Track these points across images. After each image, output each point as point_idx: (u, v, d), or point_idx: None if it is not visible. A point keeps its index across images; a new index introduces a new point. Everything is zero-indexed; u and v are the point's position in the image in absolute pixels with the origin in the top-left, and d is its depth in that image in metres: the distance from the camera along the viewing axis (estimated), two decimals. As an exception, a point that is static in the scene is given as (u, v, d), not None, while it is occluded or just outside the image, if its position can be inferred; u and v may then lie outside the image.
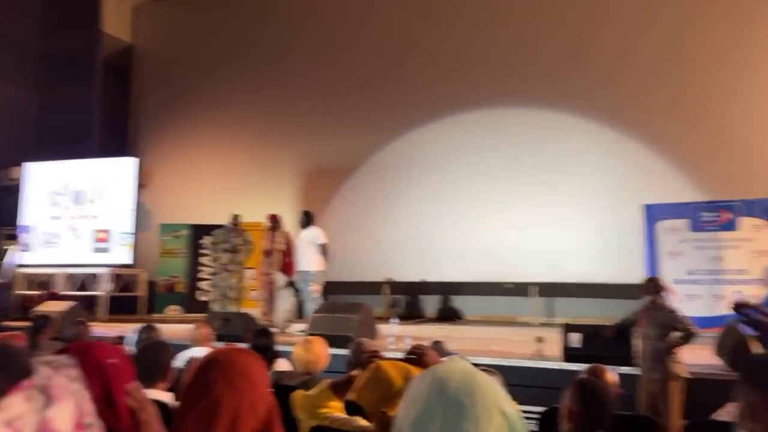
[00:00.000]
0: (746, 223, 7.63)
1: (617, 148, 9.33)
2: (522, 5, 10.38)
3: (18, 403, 0.38)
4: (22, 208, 11.31)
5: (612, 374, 2.65)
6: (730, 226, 7.70)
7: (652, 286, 4.73)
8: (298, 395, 2.02)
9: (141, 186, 11.56)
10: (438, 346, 4.82)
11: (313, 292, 7.68)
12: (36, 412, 0.38)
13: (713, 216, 7.79)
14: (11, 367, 0.40)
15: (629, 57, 9.44)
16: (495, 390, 0.97)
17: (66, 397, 0.41)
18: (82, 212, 10.98)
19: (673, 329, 4.44)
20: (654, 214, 8.13)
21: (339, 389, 1.98)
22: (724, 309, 7.26)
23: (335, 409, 1.91)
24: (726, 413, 2.50)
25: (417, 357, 1.97)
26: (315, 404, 1.97)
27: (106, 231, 10.82)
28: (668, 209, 8.08)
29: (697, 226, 7.83)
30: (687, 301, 7.59)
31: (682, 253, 7.88)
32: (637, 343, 4.78)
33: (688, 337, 4.38)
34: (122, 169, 10.91)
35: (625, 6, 9.68)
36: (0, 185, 12.28)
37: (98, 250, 10.82)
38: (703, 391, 4.42)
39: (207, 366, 1.29)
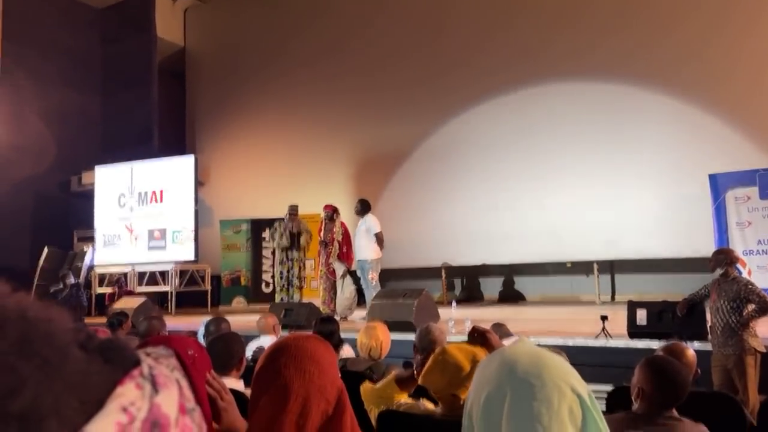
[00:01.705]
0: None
1: (678, 117, 8.94)
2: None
3: (130, 390, 0.41)
4: (95, 211, 11.87)
5: (690, 351, 2.57)
6: (803, 191, 7.30)
7: (723, 258, 4.55)
8: (365, 388, 2.06)
9: (200, 184, 11.93)
10: (499, 329, 4.80)
11: (372, 279, 7.76)
12: (146, 398, 0.42)
13: (785, 182, 7.39)
14: (122, 358, 0.43)
15: (687, 19, 9.00)
16: (564, 368, 0.97)
17: (170, 384, 0.45)
18: (146, 212, 11.43)
19: (747, 302, 4.27)
20: (720, 183, 7.78)
21: (404, 383, 2.01)
22: (802, 279, 6.92)
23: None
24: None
25: (479, 339, 1.98)
26: (381, 397, 2.01)
27: (162, 230, 11.23)
28: (735, 177, 7.72)
29: (767, 194, 7.45)
30: (758, 272, 7.27)
31: (752, 222, 7.53)
32: (709, 318, 4.62)
33: (763, 310, 4.21)
34: (182, 168, 11.28)
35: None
36: (72, 191, 12.93)
37: (157, 248, 11.26)
38: (782, 366, 4.24)
39: (276, 352, 1.34)
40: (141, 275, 11.16)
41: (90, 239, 11.92)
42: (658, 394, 1.87)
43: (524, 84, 10.07)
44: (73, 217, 12.73)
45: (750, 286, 4.32)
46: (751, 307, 4.25)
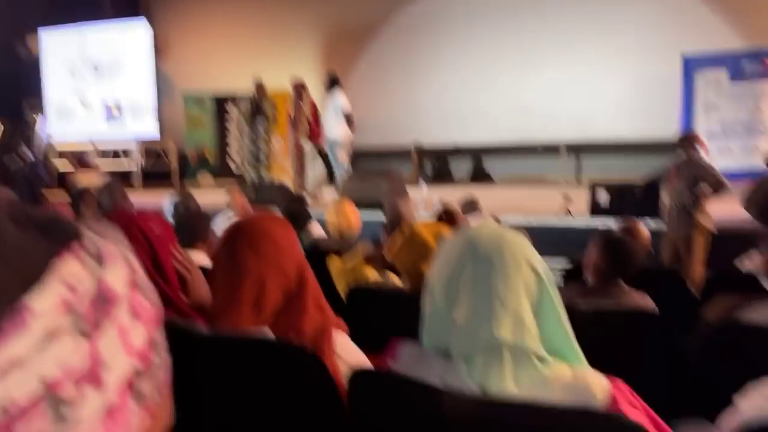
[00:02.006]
0: (790, 71, 7.25)
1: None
2: None
3: (72, 264, 0.39)
4: (45, 79, 11.27)
5: (645, 230, 2.68)
6: (772, 74, 7.33)
7: (685, 141, 4.64)
8: (334, 264, 2.11)
9: (158, 53, 11.34)
10: (470, 204, 4.92)
11: (341, 159, 7.73)
12: (90, 273, 0.40)
13: (755, 65, 7.39)
14: (62, 232, 0.40)
15: None
16: (523, 246, 1.00)
17: (117, 259, 0.42)
18: (101, 83, 10.92)
19: (702, 182, 4.41)
20: (693, 64, 7.75)
21: (372, 261, 2.06)
22: (758, 162, 7.14)
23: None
24: (750, 262, 2.55)
25: (448, 218, 2.03)
26: (352, 271, 2.07)
27: (119, 103, 10.82)
28: (708, 59, 7.68)
29: (738, 77, 7.47)
30: (719, 155, 7.46)
31: (718, 105, 7.61)
32: (665, 198, 4.79)
33: (717, 190, 4.37)
34: (137, 35, 10.63)
35: None
36: (16, 56, 12.08)
37: (115, 122, 10.92)
38: (729, 244, 4.48)
39: (232, 233, 1.35)
40: (102, 151, 10.88)
41: (39, 108, 11.39)
42: (608, 268, 1.97)
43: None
44: (20, 85, 11.97)
45: (707, 168, 4.45)
46: (706, 187, 4.40)
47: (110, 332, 0.40)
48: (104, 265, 0.41)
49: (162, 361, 0.45)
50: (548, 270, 1.00)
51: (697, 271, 4.30)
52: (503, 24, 9.65)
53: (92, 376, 0.38)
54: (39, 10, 11.84)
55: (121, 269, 0.41)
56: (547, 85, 9.34)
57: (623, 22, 8.88)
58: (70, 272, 0.38)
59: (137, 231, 1.48)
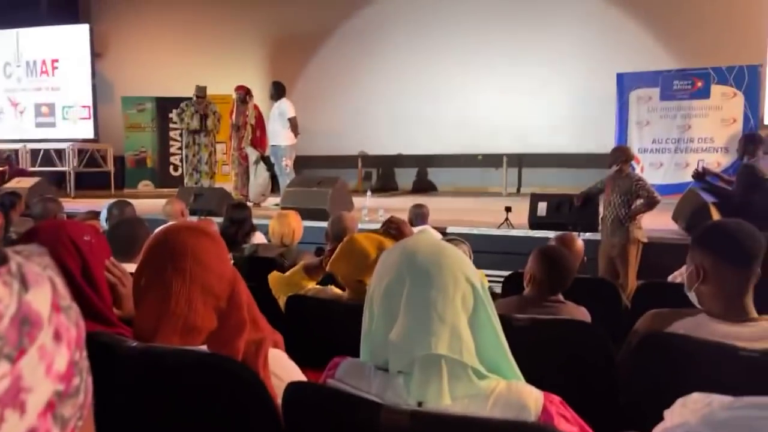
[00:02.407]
0: (717, 91, 7.67)
1: (594, 16, 9.07)
2: None
3: None
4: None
5: (580, 241, 2.77)
6: (701, 93, 7.74)
7: (620, 155, 4.82)
8: (273, 277, 2.08)
9: (97, 55, 10.96)
10: (419, 209, 4.99)
11: (286, 166, 7.66)
12: (14, 296, 0.40)
13: (685, 84, 7.79)
14: None
15: None
16: (461, 259, 1.01)
17: (41, 281, 0.42)
18: (36, 85, 10.47)
19: (636, 197, 4.60)
20: (627, 83, 8.11)
21: (312, 271, 2.04)
22: (687, 176, 7.52)
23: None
24: (680, 275, 2.67)
25: (394, 231, 2.03)
26: (289, 284, 2.04)
27: (51, 105, 10.41)
28: (641, 78, 8.05)
29: (668, 95, 7.86)
30: (651, 169, 7.81)
31: (650, 122, 7.98)
32: (601, 210, 4.96)
33: (650, 204, 4.56)
34: (75, 37, 10.26)
35: None
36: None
37: (45, 124, 10.49)
38: (660, 255, 4.69)
39: (155, 248, 1.27)
40: (34, 153, 10.39)
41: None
42: (546, 280, 2.02)
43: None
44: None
45: (641, 182, 4.64)
46: (639, 201, 4.59)
47: (33, 354, 0.40)
48: (29, 288, 0.41)
49: (84, 383, 0.45)
50: (485, 283, 1.02)
51: (631, 280, 4.47)
52: (447, 37, 9.83)
53: (14, 399, 0.38)
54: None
55: (45, 292, 0.42)
56: (489, 98, 9.58)
57: (562, 39, 9.21)
58: None
59: (67, 240, 1.41)
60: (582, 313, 1.98)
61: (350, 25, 10.48)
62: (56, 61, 10.35)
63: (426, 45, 9.97)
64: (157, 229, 1.46)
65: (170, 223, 3.99)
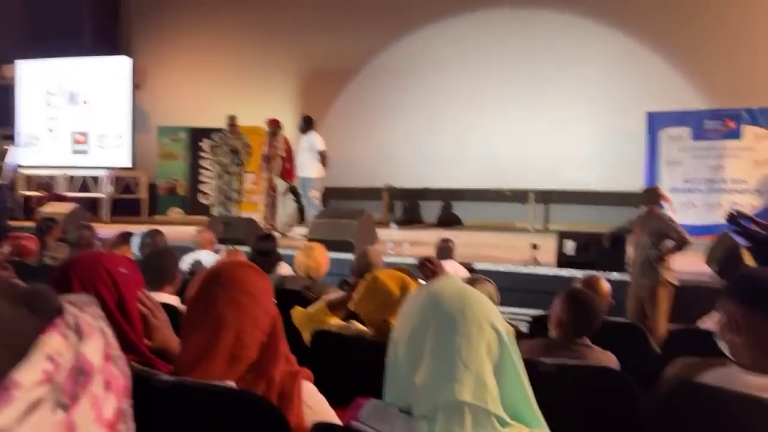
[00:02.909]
0: (749, 131, 7.57)
1: (623, 54, 9.06)
2: None
3: (55, 339, 0.42)
4: (17, 108, 11.13)
5: (606, 284, 2.74)
6: (733, 134, 7.64)
7: (650, 195, 4.79)
8: (296, 312, 2.10)
9: (136, 87, 11.32)
10: (445, 243, 5.00)
11: (313, 198, 7.75)
12: (71, 347, 0.43)
13: (717, 124, 7.71)
14: (46, 308, 0.44)
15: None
16: (486, 306, 1.02)
17: (94, 332, 0.46)
18: (76, 114, 10.83)
19: (666, 237, 4.53)
20: (657, 121, 8.05)
21: (336, 308, 2.06)
22: (720, 218, 7.38)
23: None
24: (711, 321, 2.62)
25: (429, 272, 2.04)
26: (312, 320, 2.06)
27: (85, 133, 10.74)
28: (672, 117, 7.99)
29: (699, 135, 7.78)
30: (682, 209, 7.68)
31: (681, 161, 7.89)
32: (630, 251, 4.90)
33: (680, 246, 4.49)
34: (116, 69, 10.63)
35: None
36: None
37: (80, 152, 10.81)
38: (691, 298, 4.58)
39: (210, 281, 1.33)
40: (72, 180, 10.70)
41: (11, 138, 11.24)
42: (573, 324, 2.00)
43: (475, 8, 9.90)
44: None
45: (671, 223, 4.58)
46: (669, 242, 4.52)
47: (85, 403, 0.43)
48: (83, 339, 0.44)
49: (128, 429, 0.48)
50: (511, 330, 1.02)
51: (661, 325, 4.38)
52: (475, 72, 9.92)
53: None
54: (18, 42, 11.80)
55: (97, 342, 0.45)
56: (517, 133, 9.58)
57: (591, 76, 9.22)
58: (53, 346, 0.42)
59: (104, 272, 1.46)
60: (609, 359, 1.96)
61: (379, 61, 10.67)
62: (96, 91, 10.70)
63: (454, 80, 10.07)
64: (211, 265, 1.53)
65: (220, 259, 4.07)
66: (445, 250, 5.08)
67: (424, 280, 5.10)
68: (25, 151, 11.01)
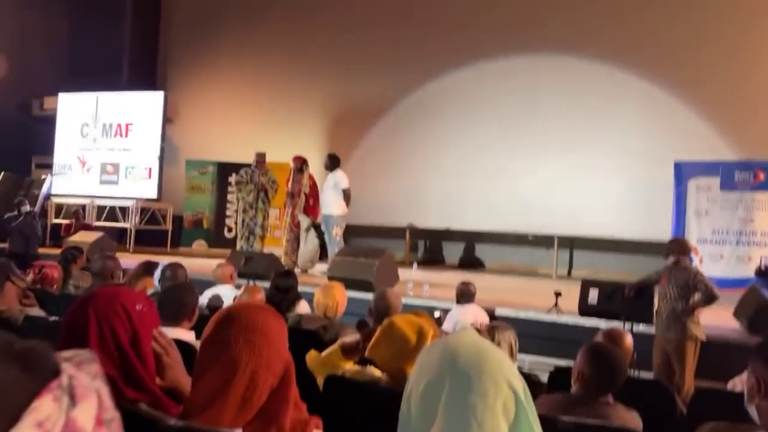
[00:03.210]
0: (780, 184, 7.42)
1: (651, 102, 9.03)
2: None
3: (47, 403, 0.41)
4: (56, 139, 11.48)
5: (629, 338, 2.65)
6: (763, 186, 7.48)
7: (677, 247, 4.68)
8: (311, 356, 2.08)
9: (168, 121, 11.62)
10: (466, 288, 4.92)
11: (336, 235, 7.77)
12: (62, 412, 0.42)
13: (747, 175, 7.58)
14: (41, 368, 0.43)
15: (666, 5, 8.99)
16: (503, 363, 0.99)
17: (89, 395, 0.44)
18: (109, 145, 11.12)
19: (694, 290, 4.42)
20: (685, 171, 7.94)
21: (350, 353, 2.03)
22: (749, 271, 7.18)
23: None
24: (741, 382, 2.51)
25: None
26: (326, 364, 2.03)
27: (115, 164, 11.00)
28: (700, 167, 7.88)
29: (728, 185, 7.64)
30: (710, 261, 7.51)
31: (710, 212, 7.74)
32: (656, 302, 4.77)
33: (708, 300, 4.36)
34: (150, 103, 10.94)
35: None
36: (34, 115, 12.45)
37: (108, 182, 11.04)
38: (720, 354, 4.44)
39: (226, 322, 1.32)
40: (100, 209, 10.91)
41: (49, 167, 11.57)
42: (595, 380, 1.94)
43: (507, 54, 9.98)
44: (32, 143, 12.29)
45: (699, 276, 4.46)
46: (697, 295, 4.40)
47: None
48: (76, 403, 0.43)
49: None
50: (527, 389, 0.99)
51: (688, 380, 4.23)
52: (501, 117, 9.95)
53: None
54: (58, 76, 12.30)
55: (91, 406, 0.44)
56: (542, 178, 9.52)
57: (618, 124, 9.18)
58: (44, 412, 0.41)
59: (121, 309, 1.47)
60: (632, 419, 1.88)
61: (406, 103, 10.80)
62: (130, 124, 11.00)
63: (481, 123, 10.12)
64: (228, 305, 1.53)
65: (240, 294, 4.07)
66: (465, 293, 5.00)
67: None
68: (57, 180, 11.30)
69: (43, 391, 0.41)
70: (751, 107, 8.44)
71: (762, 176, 7.50)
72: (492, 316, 4.98)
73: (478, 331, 4.14)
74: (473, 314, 4.85)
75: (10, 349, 0.43)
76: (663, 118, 8.93)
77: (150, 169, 10.78)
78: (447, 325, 4.81)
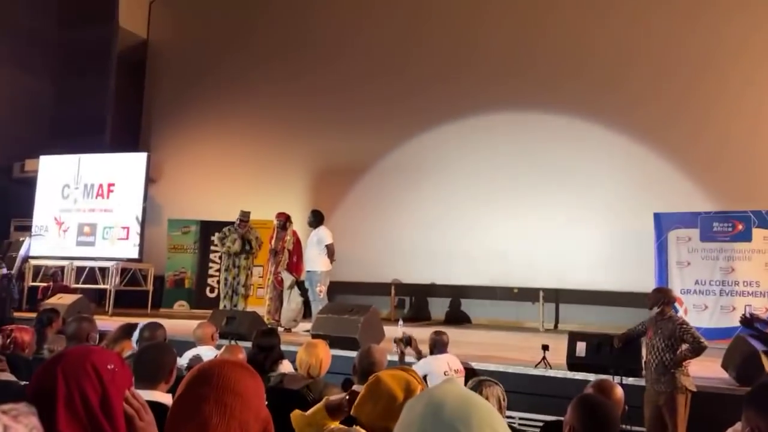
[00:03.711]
0: (759, 234, 7.54)
1: (630, 156, 9.25)
2: (530, 9, 10.30)
3: None
4: (35, 201, 11.38)
5: (619, 389, 2.60)
6: (742, 236, 7.61)
7: (661, 297, 4.68)
8: (295, 416, 2.00)
9: (151, 181, 11.60)
10: (438, 336, 4.93)
11: (320, 292, 7.67)
12: None
13: (725, 226, 7.70)
14: None
15: (642, 63, 9.35)
16: (491, 415, 0.95)
17: None
18: (90, 206, 11.02)
19: (681, 341, 4.39)
20: (665, 223, 8.06)
21: (335, 412, 1.96)
22: (734, 321, 7.19)
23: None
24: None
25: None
26: (311, 424, 1.95)
27: (93, 225, 10.88)
28: (679, 218, 8.00)
29: (708, 236, 7.75)
30: (695, 311, 7.53)
31: (691, 263, 7.81)
32: (644, 355, 4.73)
33: (697, 350, 4.33)
34: (133, 164, 10.95)
35: (655, 27, 9.54)
36: (14, 177, 12.38)
37: (85, 243, 10.90)
38: (710, 406, 4.37)
39: (197, 380, 1.26)
40: (79, 270, 10.71)
41: (28, 229, 11.41)
42: (588, 433, 1.88)
43: (489, 110, 10.24)
44: (12, 205, 12.16)
45: (685, 326, 4.44)
46: (685, 346, 4.37)
47: None
48: None
49: None
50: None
51: (679, 433, 4.14)
52: (483, 171, 10.11)
53: None
54: (40, 137, 12.33)
55: None
56: (525, 232, 9.60)
57: (598, 177, 9.36)
58: None
59: (90, 368, 1.40)
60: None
61: (388, 160, 10.93)
62: (112, 184, 10.96)
63: (462, 179, 10.25)
64: (202, 362, 1.45)
65: (220, 354, 3.96)
66: (438, 342, 5.02)
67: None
68: (36, 242, 11.12)
69: None
70: (729, 161, 8.66)
71: (740, 227, 7.63)
72: (470, 370, 4.96)
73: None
74: (446, 363, 4.87)
75: None
76: (642, 172, 9.13)
77: (128, 229, 10.66)
78: (419, 372, 4.76)
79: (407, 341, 5.10)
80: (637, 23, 9.52)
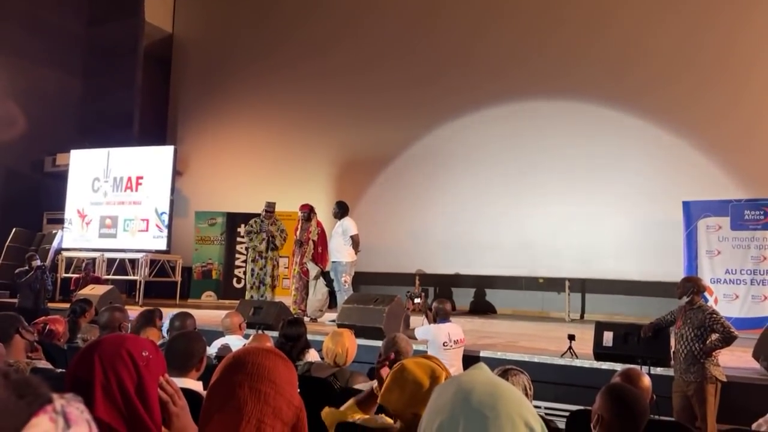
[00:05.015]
0: (791, 222, 7.36)
1: (659, 144, 9.07)
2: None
3: (45, 422, 0.44)
4: (67, 194, 11.64)
5: (647, 378, 2.58)
6: (774, 224, 7.43)
7: (691, 286, 4.60)
8: (326, 413, 2.04)
9: (178, 174, 11.77)
10: (441, 306, 5.19)
11: (345, 282, 7.73)
12: (60, 431, 0.45)
13: (757, 214, 7.53)
14: (35, 394, 0.46)
15: (671, 55, 9.14)
16: (519, 401, 0.95)
17: (81, 422, 0.48)
18: (119, 198, 11.24)
19: (711, 331, 4.32)
20: (694, 211, 7.90)
21: (364, 404, 1.98)
22: (765, 310, 7.06)
23: None
24: (766, 422, 2.43)
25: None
26: (343, 419, 1.98)
27: (114, 218, 11.09)
28: (709, 206, 7.84)
29: (738, 225, 7.59)
30: (724, 301, 7.39)
31: (722, 251, 7.66)
32: (673, 344, 4.67)
33: (727, 340, 4.26)
34: (160, 157, 11.12)
35: (680, 3, 9.32)
36: (46, 171, 12.68)
37: (107, 235, 11.11)
38: (740, 396, 4.31)
39: (232, 368, 1.29)
40: (110, 262, 10.95)
41: (60, 222, 11.68)
42: (616, 423, 1.87)
43: (511, 99, 10.14)
44: (44, 199, 12.47)
45: (715, 316, 4.37)
46: (714, 336, 4.30)
47: None
48: (71, 426, 0.47)
49: None
50: (545, 428, 0.95)
51: (710, 424, 4.09)
52: (509, 160, 10.02)
53: None
54: (70, 132, 12.59)
55: (84, 430, 0.46)
56: (551, 221, 9.50)
57: (626, 165, 9.19)
58: (43, 428, 0.45)
59: (126, 355, 1.44)
60: (655, 463, 1.80)
61: (415, 149, 10.91)
62: (141, 177, 11.16)
63: (488, 169, 10.18)
64: (236, 350, 1.48)
65: (248, 343, 4.03)
66: (441, 312, 5.26)
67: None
68: (67, 234, 11.39)
69: (39, 412, 0.44)
70: (759, 146, 8.45)
71: (772, 214, 7.45)
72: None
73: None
74: (447, 333, 5.09)
75: (6, 379, 0.45)
76: (671, 160, 8.95)
77: (148, 221, 10.84)
78: (419, 337, 5.22)
79: (429, 306, 5.43)
80: (663, 1, 9.31)
